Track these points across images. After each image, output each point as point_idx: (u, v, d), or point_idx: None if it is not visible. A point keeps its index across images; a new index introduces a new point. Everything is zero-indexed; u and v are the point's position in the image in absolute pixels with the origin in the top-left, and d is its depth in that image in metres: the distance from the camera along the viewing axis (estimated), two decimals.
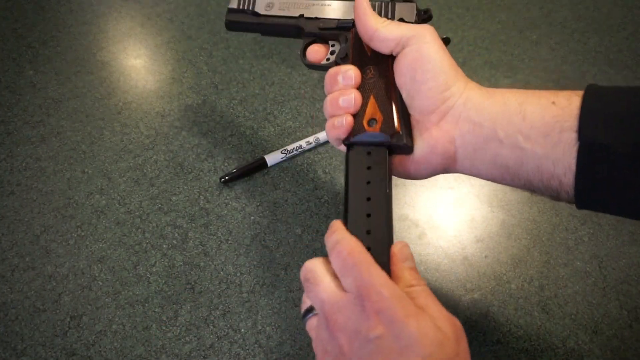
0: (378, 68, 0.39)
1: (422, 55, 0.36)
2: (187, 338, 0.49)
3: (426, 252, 0.55)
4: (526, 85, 0.71)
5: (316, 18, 0.46)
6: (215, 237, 0.55)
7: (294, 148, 0.61)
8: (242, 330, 0.49)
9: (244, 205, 0.58)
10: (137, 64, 0.73)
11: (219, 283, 0.52)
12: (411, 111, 0.37)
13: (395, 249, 0.32)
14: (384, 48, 0.38)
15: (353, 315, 0.28)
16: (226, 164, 0.61)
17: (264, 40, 0.75)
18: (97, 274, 0.52)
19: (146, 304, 0.51)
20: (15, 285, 0.52)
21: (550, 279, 0.53)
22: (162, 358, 0.47)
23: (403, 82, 0.37)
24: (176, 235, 0.55)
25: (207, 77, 0.71)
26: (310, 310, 0.33)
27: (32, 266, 0.53)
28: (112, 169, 0.61)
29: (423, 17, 0.42)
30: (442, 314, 0.28)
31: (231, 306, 0.51)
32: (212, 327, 0.49)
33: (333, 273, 0.31)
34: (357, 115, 0.38)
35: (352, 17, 0.42)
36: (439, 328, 0.27)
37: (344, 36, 0.44)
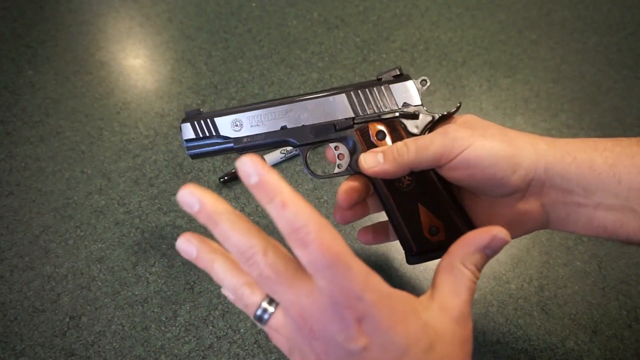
0: (413, 172, 0.36)
1: (471, 160, 0.33)
2: (186, 338, 0.48)
3: None
4: (525, 85, 0.71)
5: (303, 126, 0.39)
6: (214, 237, 0.55)
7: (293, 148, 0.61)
8: (242, 330, 0.49)
9: (243, 205, 0.58)
10: (136, 63, 0.73)
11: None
12: (484, 199, 0.36)
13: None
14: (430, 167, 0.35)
15: (330, 324, 0.24)
16: (225, 164, 0.61)
17: (263, 40, 0.75)
18: (96, 274, 0.52)
19: (145, 304, 0.50)
20: (14, 286, 0.51)
21: (549, 279, 0.53)
22: (161, 358, 0.47)
23: (465, 185, 0.35)
24: (175, 235, 0.55)
25: (206, 77, 0.71)
26: (265, 309, 0.27)
27: (31, 266, 0.53)
28: (111, 169, 0.61)
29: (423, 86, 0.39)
30: (449, 313, 0.28)
31: (230, 306, 0.50)
32: (211, 327, 0.49)
33: (297, 266, 0.25)
34: (413, 229, 0.36)
35: (348, 115, 0.39)
36: (433, 331, 0.26)
37: (346, 137, 0.39)
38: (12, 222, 0.56)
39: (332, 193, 0.59)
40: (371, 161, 0.35)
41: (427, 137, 0.34)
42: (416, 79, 0.39)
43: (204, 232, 0.56)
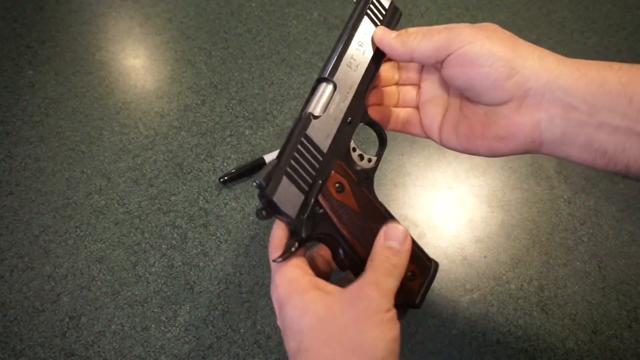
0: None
1: (468, 56, 0.32)
2: (186, 338, 0.48)
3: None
4: None
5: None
6: (214, 237, 0.55)
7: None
8: (242, 330, 0.49)
9: (243, 205, 0.58)
10: (136, 63, 0.73)
11: (218, 283, 0.52)
12: (480, 107, 0.35)
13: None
14: (425, 62, 0.36)
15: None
16: (225, 164, 0.61)
17: (263, 40, 0.75)
18: (96, 274, 0.52)
19: (145, 304, 0.50)
20: (14, 286, 0.51)
21: (549, 279, 0.53)
22: (161, 358, 0.47)
23: (460, 85, 0.34)
24: (175, 235, 0.55)
25: (206, 77, 0.71)
26: None
27: (31, 266, 0.53)
28: (111, 169, 0.61)
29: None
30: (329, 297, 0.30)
31: (230, 306, 0.50)
32: (211, 328, 0.49)
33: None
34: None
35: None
36: (311, 300, 0.30)
37: None
38: (11, 222, 0.56)
39: None
40: (383, 32, 0.37)
41: (434, 28, 0.34)
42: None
43: (203, 232, 0.56)
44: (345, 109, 0.35)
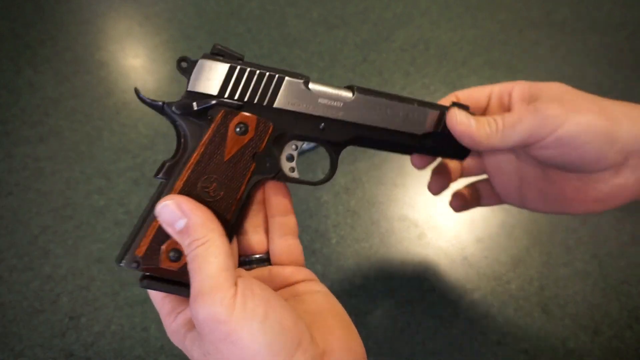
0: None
1: (564, 140, 0.30)
2: None
3: (426, 252, 0.55)
4: None
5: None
6: None
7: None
8: None
9: None
10: (136, 63, 0.73)
11: None
12: (572, 174, 0.33)
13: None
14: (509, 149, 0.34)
15: None
16: None
17: (263, 40, 0.75)
18: (95, 275, 0.52)
19: (145, 305, 0.50)
20: (13, 286, 0.51)
21: (550, 279, 0.52)
22: (160, 358, 0.47)
23: (557, 163, 0.33)
24: None
25: None
26: None
27: (31, 267, 0.53)
28: (111, 169, 0.61)
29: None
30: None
31: None
32: None
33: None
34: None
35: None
36: (221, 307, 0.25)
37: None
38: (11, 222, 0.56)
39: (332, 193, 0.59)
40: (463, 119, 0.33)
41: (515, 114, 0.32)
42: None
43: None
44: (332, 117, 0.33)
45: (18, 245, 0.54)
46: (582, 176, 0.33)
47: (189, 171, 0.30)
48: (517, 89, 0.34)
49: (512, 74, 0.72)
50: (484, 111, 0.37)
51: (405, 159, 0.62)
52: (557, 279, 0.52)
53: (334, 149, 0.35)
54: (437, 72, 0.71)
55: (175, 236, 0.27)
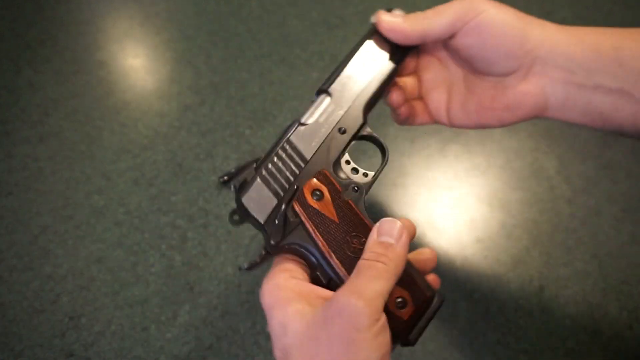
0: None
1: (484, 25, 0.33)
2: (186, 339, 0.48)
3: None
4: None
5: None
6: (214, 237, 0.55)
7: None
8: (242, 330, 0.49)
9: None
10: (136, 63, 0.73)
11: (218, 283, 0.52)
12: (487, 81, 0.36)
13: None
14: (438, 39, 0.35)
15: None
16: (225, 164, 0.61)
17: (263, 40, 0.75)
18: (95, 275, 0.52)
19: (145, 305, 0.50)
20: (13, 286, 0.51)
21: (550, 279, 0.52)
22: (160, 359, 0.47)
23: (472, 56, 0.35)
24: (175, 235, 0.55)
25: (206, 76, 0.71)
26: None
27: (31, 267, 0.53)
28: (111, 169, 0.61)
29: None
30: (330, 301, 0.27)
31: (230, 307, 0.50)
32: (211, 328, 0.49)
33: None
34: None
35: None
36: (293, 317, 0.27)
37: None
38: (11, 222, 0.56)
39: None
40: (390, 19, 0.35)
41: (443, 5, 0.34)
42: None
43: (203, 232, 0.56)
44: (339, 118, 0.34)
45: (18, 245, 0.54)
46: (495, 83, 0.35)
47: (333, 254, 0.31)
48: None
49: None
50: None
51: (406, 159, 0.62)
52: (557, 279, 0.52)
53: (363, 135, 0.36)
54: None
55: (375, 243, 0.29)
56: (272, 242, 0.31)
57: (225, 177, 0.61)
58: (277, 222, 0.31)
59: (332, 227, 0.31)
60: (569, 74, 0.33)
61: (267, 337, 0.49)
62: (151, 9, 0.79)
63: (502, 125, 0.37)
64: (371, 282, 0.27)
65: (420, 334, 0.30)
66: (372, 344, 0.25)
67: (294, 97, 0.68)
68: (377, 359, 0.25)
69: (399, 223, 0.30)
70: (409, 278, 0.30)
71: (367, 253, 0.29)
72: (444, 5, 0.35)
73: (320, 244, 0.31)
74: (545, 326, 0.49)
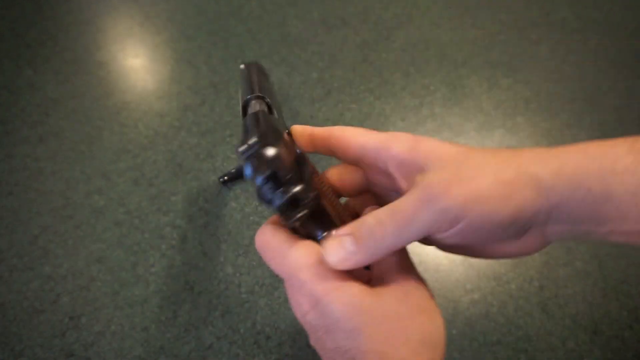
0: None
1: (468, 232, 0.26)
2: (186, 339, 0.48)
3: (426, 252, 0.55)
4: (526, 85, 0.71)
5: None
6: (214, 237, 0.55)
7: None
8: (241, 330, 0.49)
9: (242, 205, 0.58)
10: (136, 63, 0.73)
11: (218, 283, 0.52)
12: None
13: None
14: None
15: (292, 297, 0.27)
16: (225, 164, 0.61)
17: (263, 40, 0.75)
18: (95, 275, 0.52)
19: (145, 305, 0.50)
20: (13, 286, 0.51)
21: (550, 279, 0.52)
22: (160, 359, 0.47)
23: (455, 246, 0.28)
24: (175, 235, 0.55)
25: (206, 76, 0.71)
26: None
27: (31, 267, 0.53)
28: (111, 169, 0.61)
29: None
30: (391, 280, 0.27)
31: (230, 307, 0.50)
32: (211, 328, 0.49)
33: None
34: None
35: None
36: (362, 296, 0.26)
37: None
38: (11, 222, 0.56)
39: None
40: (338, 252, 0.27)
41: (407, 206, 0.26)
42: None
43: (203, 232, 0.56)
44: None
45: (18, 245, 0.54)
46: (485, 243, 0.29)
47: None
48: (396, 151, 0.28)
49: (512, 74, 0.72)
50: (360, 183, 0.32)
51: None
52: (557, 279, 0.52)
53: None
54: (437, 72, 0.71)
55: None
56: (310, 194, 0.27)
57: (225, 177, 0.62)
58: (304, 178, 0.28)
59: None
60: (577, 225, 0.27)
61: (267, 337, 0.49)
62: (151, 9, 0.80)
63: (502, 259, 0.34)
64: (409, 259, 0.28)
65: None
66: (438, 316, 0.28)
67: (294, 97, 0.68)
68: (442, 328, 0.27)
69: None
70: None
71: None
72: (409, 209, 0.26)
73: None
74: (546, 326, 0.49)
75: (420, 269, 0.53)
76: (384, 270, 0.28)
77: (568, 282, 0.52)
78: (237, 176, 0.59)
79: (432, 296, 0.28)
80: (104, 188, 0.59)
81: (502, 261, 0.54)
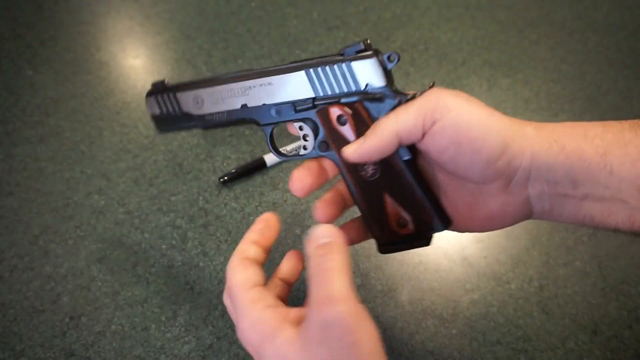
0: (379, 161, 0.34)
1: (460, 125, 0.30)
2: (186, 338, 0.48)
3: (425, 252, 0.55)
4: (525, 85, 0.71)
5: (264, 105, 0.37)
6: (214, 237, 0.55)
7: (293, 148, 0.61)
8: None
9: (243, 205, 0.58)
10: (136, 63, 0.73)
11: (218, 283, 0.52)
12: (465, 188, 0.33)
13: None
14: (413, 140, 0.32)
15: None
16: (225, 164, 0.61)
17: (263, 40, 0.75)
18: (96, 275, 0.52)
19: (145, 304, 0.50)
20: (14, 286, 0.51)
21: (549, 279, 0.52)
22: (161, 358, 0.47)
23: (446, 159, 0.32)
24: (175, 235, 0.55)
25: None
26: None
27: (31, 266, 0.53)
28: (111, 169, 0.61)
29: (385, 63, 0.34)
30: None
31: None
32: (211, 328, 0.49)
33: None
34: (379, 220, 0.35)
35: (308, 95, 0.35)
36: (286, 348, 0.27)
37: (309, 118, 0.36)
38: (11, 222, 0.56)
39: None
40: (352, 146, 0.33)
41: (406, 105, 0.32)
42: (385, 53, 0.34)
43: (203, 232, 0.56)
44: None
45: (18, 245, 0.54)
46: (474, 190, 0.33)
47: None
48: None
49: (512, 74, 0.72)
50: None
51: None
52: (556, 279, 0.52)
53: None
54: (437, 72, 0.71)
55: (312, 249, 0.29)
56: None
57: (225, 177, 0.62)
58: None
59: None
60: (553, 185, 0.31)
61: None
62: (151, 9, 0.80)
63: (483, 231, 0.36)
64: (334, 283, 0.27)
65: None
66: (369, 336, 0.26)
67: None
68: (377, 345, 0.26)
69: (326, 225, 0.30)
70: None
71: (312, 261, 0.29)
72: (406, 105, 0.32)
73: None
74: (545, 326, 0.49)
75: (420, 269, 0.53)
76: (311, 302, 0.27)
77: (568, 282, 0.52)
78: (237, 176, 0.59)
79: (362, 309, 0.27)
80: (104, 188, 0.59)
81: (502, 261, 0.54)
